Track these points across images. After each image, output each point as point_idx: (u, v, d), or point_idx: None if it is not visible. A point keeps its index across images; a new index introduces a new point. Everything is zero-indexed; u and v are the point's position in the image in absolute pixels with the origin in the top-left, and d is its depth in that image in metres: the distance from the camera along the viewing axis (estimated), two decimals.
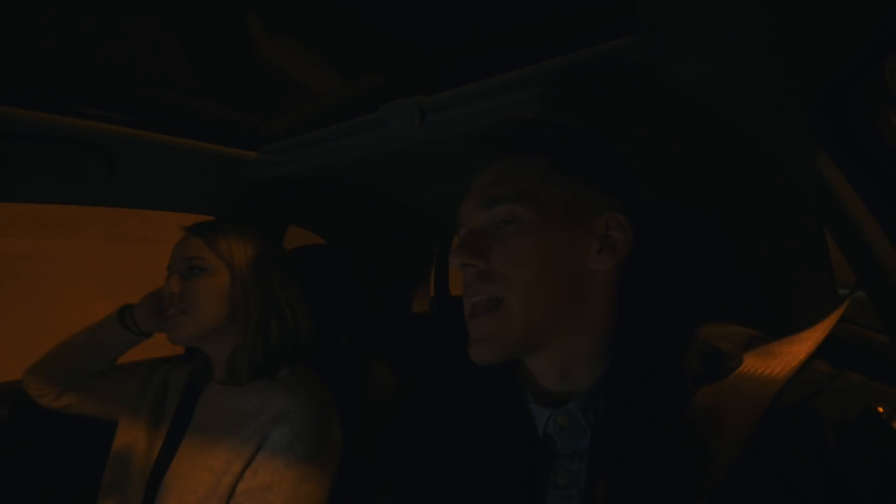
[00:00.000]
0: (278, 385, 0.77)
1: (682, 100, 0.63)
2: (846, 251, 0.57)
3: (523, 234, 0.47)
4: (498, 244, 0.48)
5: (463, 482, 0.48)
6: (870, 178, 0.49)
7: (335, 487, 0.76)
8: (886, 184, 0.48)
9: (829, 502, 0.34)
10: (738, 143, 0.67)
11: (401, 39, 0.72)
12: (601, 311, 0.49)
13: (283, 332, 0.82)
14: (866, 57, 0.44)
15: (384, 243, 1.43)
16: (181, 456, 0.75)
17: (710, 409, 0.39)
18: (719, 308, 0.58)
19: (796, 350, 0.41)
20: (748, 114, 0.60)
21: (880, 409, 0.34)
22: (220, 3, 0.65)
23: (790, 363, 0.40)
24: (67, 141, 0.77)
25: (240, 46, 0.74)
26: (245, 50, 0.75)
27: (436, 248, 1.70)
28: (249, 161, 0.96)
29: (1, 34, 0.62)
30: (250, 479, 0.70)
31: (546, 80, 0.67)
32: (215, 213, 1.17)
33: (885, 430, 0.33)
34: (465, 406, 0.54)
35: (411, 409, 0.60)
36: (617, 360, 0.47)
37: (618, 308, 0.50)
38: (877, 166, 0.48)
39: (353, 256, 1.22)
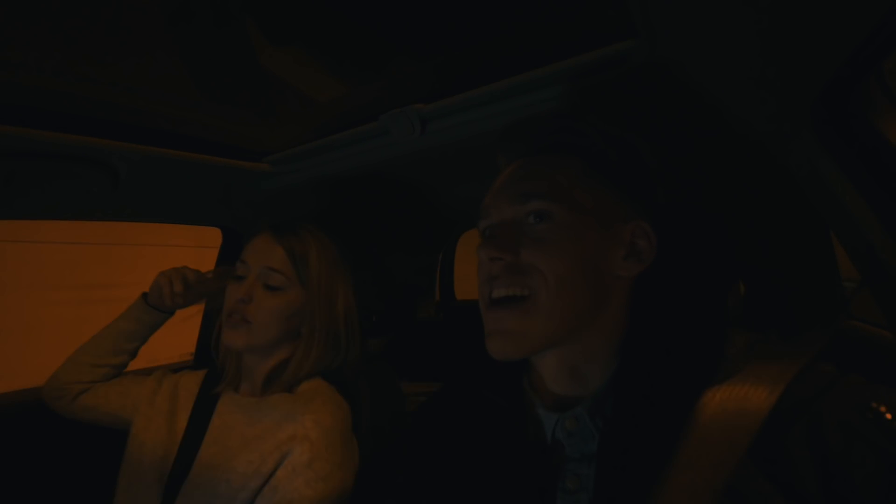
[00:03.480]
0: (297, 400, 0.77)
1: (684, 102, 0.63)
2: (850, 249, 0.57)
3: (557, 232, 0.47)
4: (529, 238, 0.48)
5: (472, 487, 0.49)
6: (872, 176, 0.49)
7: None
8: (888, 182, 0.48)
9: (829, 499, 0.34)
10: (741, 142, 0.67)
11: (399, 48, 0.72)
12: (617, 315, 0.49)
13: (333, 355, 0.83)
14: (866, 57, 0.45)
15: (389, 249, 1.43)
16: (198, 466, 0.76)
17: (715, 413, 0.39)
18: (725, 310, 0.58)
19: (800, 352, 0.42)
20: (750, 115, 0.60)
21: (882, 410, 0.34)
22: (220, 14, 0.65)
23: (794, 366, 0.40)
24: (72, 158, 0.78)
25: (242, 57, 0.75)
26: (247, 60, 0.76)
27: (440, 253, 1.70)
28: (254, 172, 0.97)
29: (7, 53, 0.63)
30: (269, 496, 0.70)
31: (545, 85, 0.68)
32: (222, 225, 1.18)
33: (888, 431, 0.33)
34: (473, 412, 0.54)
35: (422, 415, 0.60)
36: (625, 365, 0.47)
37: (629, 312, 0.51)
38: (878, 165, 0.49)
39: (358, 263, 1.22)
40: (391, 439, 0.88)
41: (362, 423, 0.85)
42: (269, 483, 0.71)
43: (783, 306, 0.70)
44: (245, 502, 0.69)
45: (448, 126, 0.78)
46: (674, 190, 0.53)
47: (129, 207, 0.96)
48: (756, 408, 0.38)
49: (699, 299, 0.53)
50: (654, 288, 0.50)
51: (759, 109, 0.58)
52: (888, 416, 0.34)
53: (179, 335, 0.98)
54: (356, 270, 0.99)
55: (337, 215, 1.22)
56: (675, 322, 0.49)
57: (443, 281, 1.79)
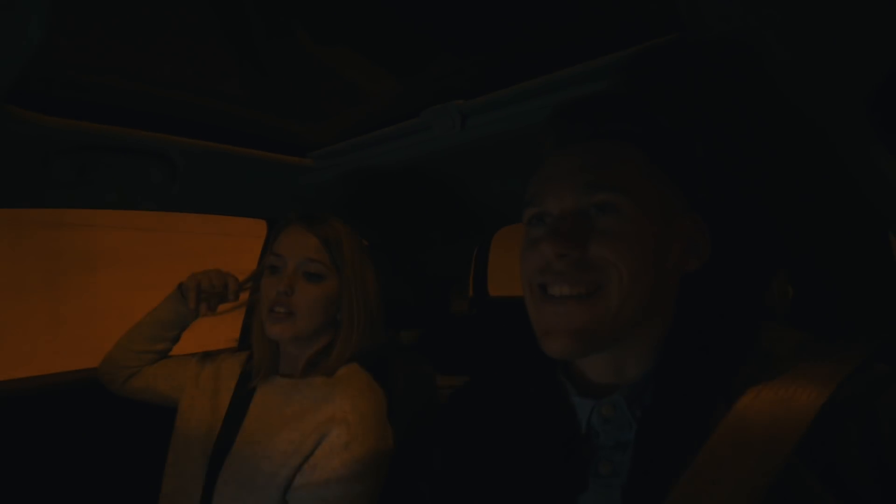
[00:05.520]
0: (335, 383, 0.81)
1: (731, 94, 0.62)
2: None
3: (626, 226, 0.45)
4: (597, 232, 0.45)
5: (504, 470, 0.50)
6: None
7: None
8: None
9: (885, 500, 0.33)
10: (796, 137, 0.65)
11: (442, 45, 0.74)
12: (668, 309, 0.49)
13: (368, 338, 0.86)
14: None
15: (425, 244, 1.46)
16: (240, 443, 0.80)
17: (761, 410, 0.38)
18: (775, 309, 0.57)
19: (853, 353, 0.40)
20: (805, 107, 0.58)
21: None
22: (269, 11, 0.69)
23: (847, 365, 0.39)
24: (136, 152, 0.83)
25: (288, 54, 0.78)
26: (293, 57, 0.79)
27: (475, 248, 1.71)
28: (299, 166, 1.01)
29: (80, 60, 0.69)
30: (308, 473, 0.74)
31: (585, 81, 0.67)
32: (268, 217, 1.23)
33: None
34: (507, 399, 0.55)
35: (456, 402, 0.62)
36: (669, 356, 0.47)
37: (675, 305, 0.50)
38: None
39: (396, 257, 1.25)
40: (425, 423, 0.90)
41: (396, 410, 0.87)
42: (308, 461, 0.74)
43: (836, 308, 0.67)
44: (286, 478, 0.73)
45: (487, 121, 0.79)
46: (732, 183, 0.53)
47: (185, 199, 1.02)
48: (805, 405, 0.37)
49: (747, 295, 0.52)
50: (702, 282, 0.49)
51: (814, 104, 0.56)
52: None
53: (222, 322, 1.04)
54: (391, 262, 1.01)
55: (376, 209, 1.25)
56: (722, 316, 0.48)
57: (477, 276, 1.80)
